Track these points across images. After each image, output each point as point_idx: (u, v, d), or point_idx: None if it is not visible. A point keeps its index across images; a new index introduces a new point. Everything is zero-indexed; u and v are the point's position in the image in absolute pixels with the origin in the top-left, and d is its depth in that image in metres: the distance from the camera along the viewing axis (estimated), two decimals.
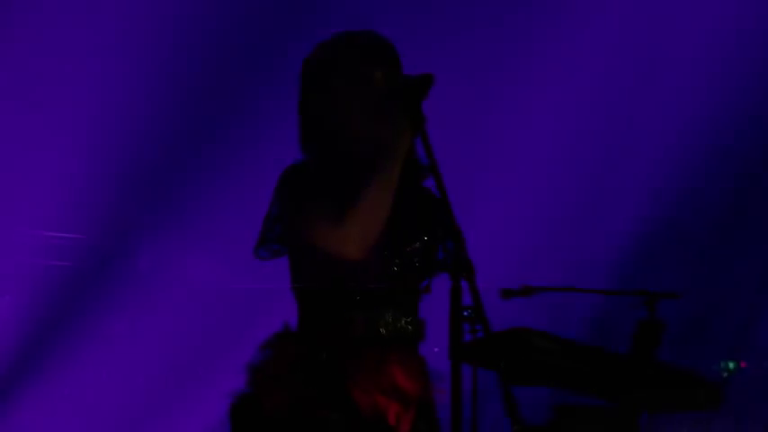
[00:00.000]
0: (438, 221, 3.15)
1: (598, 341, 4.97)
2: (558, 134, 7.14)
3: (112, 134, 6.68)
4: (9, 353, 6.53)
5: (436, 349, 3.18)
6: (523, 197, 7.16)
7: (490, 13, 6.90)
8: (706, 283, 7.11)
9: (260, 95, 6.71)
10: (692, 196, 7.12)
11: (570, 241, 7.14)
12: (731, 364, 7.08)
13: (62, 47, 6.57)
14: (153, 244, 6.78)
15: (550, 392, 5.23)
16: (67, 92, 6.60)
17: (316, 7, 6.64)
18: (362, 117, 3.15)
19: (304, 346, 3.15)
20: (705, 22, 6.84)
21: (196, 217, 6.81)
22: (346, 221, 3.02)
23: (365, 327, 3.14)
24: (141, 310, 6.73)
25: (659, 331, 5.13)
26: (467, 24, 6.91)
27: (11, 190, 6.57)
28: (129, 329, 6.76)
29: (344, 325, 3.14)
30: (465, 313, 2.86)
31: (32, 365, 6.60)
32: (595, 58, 6.99)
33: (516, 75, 6.93)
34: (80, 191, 6.65)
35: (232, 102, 6.84)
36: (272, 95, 6.44)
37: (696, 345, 6.98)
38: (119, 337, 6.75)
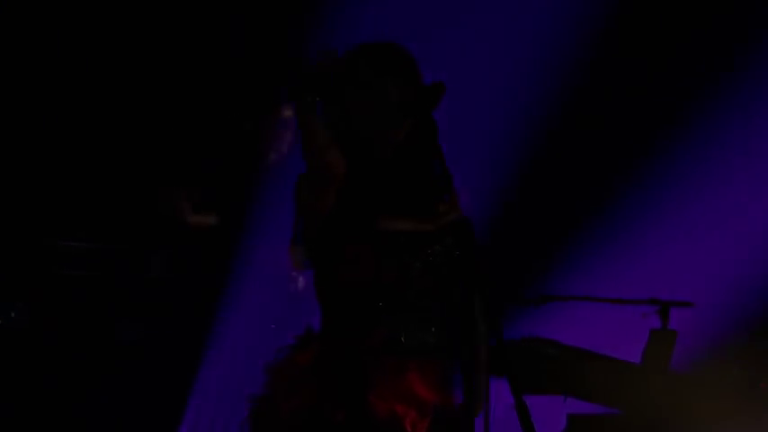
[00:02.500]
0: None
1: None
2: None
3: None
4: None
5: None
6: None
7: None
8: None
9: None
10: None
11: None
12: None
13: None
14: None
15: (564, 401, 5.22)
16: None
17: None
18: (374, 124, 3.19)
19: (324, 351, 3.16)
20: None
21: None
22: None
23: (386, 334, 3.16)
24: None
25: (672, 341, 5.12)
26: None
27: None
28: None
29: (365, 331, 3.16)
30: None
31: None
32: None
33: None
34: None
35: None
36: None
37: None
38: None
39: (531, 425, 2.76)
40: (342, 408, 3.06)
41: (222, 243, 6.74)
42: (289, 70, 3.07)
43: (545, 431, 4.89)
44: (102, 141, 6.71)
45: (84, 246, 6.69)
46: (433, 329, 3.20)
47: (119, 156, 6.73)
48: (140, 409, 6.67)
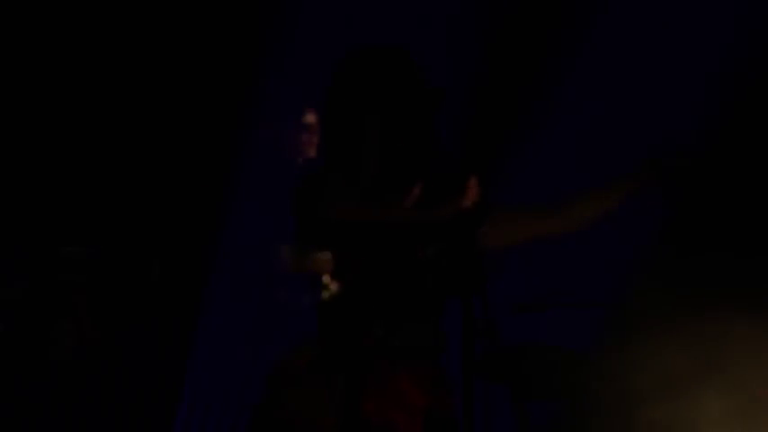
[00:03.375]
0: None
1: None
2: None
3: None
4: None
5: None
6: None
7: None
8: None
9: None
10: None
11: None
12: None
13: None
14: None
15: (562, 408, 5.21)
16: None
17: None
18: (376, 132, 3.18)
19: (318, 355, 3.16)
20: None
21: None
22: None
23: (380, 337, 3.14)
24: None
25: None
26: None
27: None
28: None
29: (359, 334, 3.14)
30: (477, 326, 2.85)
31: None
32: None
33: None
34: None
35: None
36: None
37: None
38: None
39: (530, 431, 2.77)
40: (334, 412, 3.06)
41: (214, 246, 6.76)
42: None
43: None
44: (103, 145, 6.74)
45: (84, 250, 6.71)
46: (428, 332, 3.20)
47: (119, 159, 6.75)
48: (134, 411, 6.70)
